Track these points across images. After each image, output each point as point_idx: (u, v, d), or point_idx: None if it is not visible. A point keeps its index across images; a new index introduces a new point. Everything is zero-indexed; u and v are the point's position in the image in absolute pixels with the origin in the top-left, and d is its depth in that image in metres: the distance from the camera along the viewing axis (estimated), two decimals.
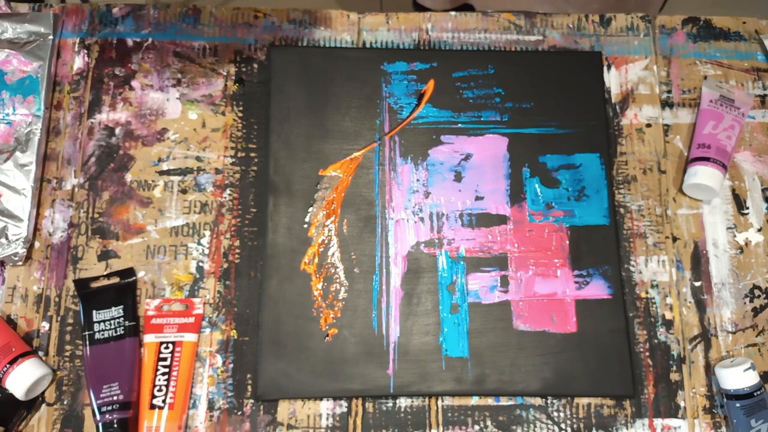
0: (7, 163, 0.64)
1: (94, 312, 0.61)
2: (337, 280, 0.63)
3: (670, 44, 0.73)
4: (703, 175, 0.66)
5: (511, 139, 0.68)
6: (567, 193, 0.66)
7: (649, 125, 0.70)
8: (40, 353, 0.61)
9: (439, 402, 0.62)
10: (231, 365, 0.62)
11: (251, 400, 0.61)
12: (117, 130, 0.67)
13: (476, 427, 0.61)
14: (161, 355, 0.60)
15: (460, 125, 0.68)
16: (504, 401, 0.62)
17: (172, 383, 0.59)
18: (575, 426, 0.61)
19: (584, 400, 0.62)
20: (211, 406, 0.61)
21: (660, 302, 0.65)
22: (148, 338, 0.61)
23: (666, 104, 0.71)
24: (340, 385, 0.61)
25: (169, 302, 0.63)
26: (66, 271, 0.63)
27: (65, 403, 0.60)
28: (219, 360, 0.62)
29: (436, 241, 0.65)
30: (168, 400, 0.59)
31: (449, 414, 0.61)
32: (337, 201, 0.65)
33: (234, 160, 0.67)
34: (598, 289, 0.64)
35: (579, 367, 0.62)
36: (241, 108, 0.69)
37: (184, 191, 0.66)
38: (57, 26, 0.69)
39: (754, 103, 0.72)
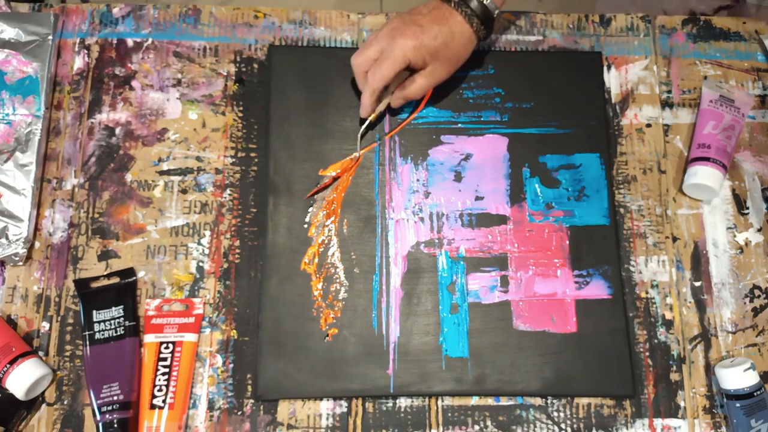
0: (7, 163, 0.64)
1: (94, 312, 0.61)
2: (337, 280, 0.63)
3: (670, 44, 0.73)
4: (703, 175, 0.66)
5: (511, 139, 0.68)
6: (567, 193, 0.66)
7: (649, 125, 0.70)
8: (40, 353, 0.61)
9: (439, 402, 0.62)
10: (231, 365, 0.62)
11: (251, 400, 0.61)
12: (117, 130, 0.67)
13: (476, 427, 0.61)
14: (161, 355, 0.60)
15: (460, 125, 0.68)
16: (504, 401, 0.62)
17: (172, 383, 0.59)
18: (575, 426, 0.61)
19: (584, 400, 0.62)
20: (211, 406, 0.61)
21: (660, 302, 0.65)
22: (149, 338, 0.61)
23: (666, 104, 0.71)
24: (340, 385, 0.61)
25: (169, 302, 0.63)
26: (66, 271, 0.63)
27: (65, 403, 0.60)
28: (219, 360, 0.62)
29: (436, 241, 0.65)
30: (168, 400, 0.59)
31: (449, 414, 0.61)
32: (337, 201, 0.65)
33: (234, 160, 0.67)
34: (598, 289, 0.64)
35: (579, 367, 0.62)
36: (241, 108, 0.69)
37: (184, 191, 0.66)
38: (57, 26, 0.69)
39: (754, 103, 0.72)
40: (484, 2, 0.63)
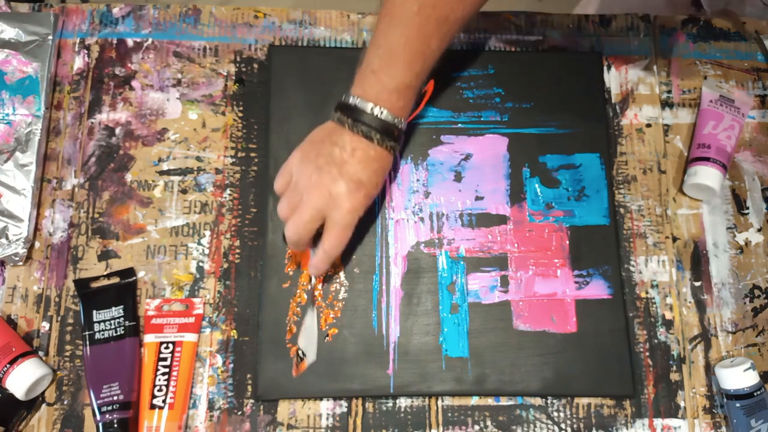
0: (7, 163, 0.64)
1: (94, 312, 0.61)
2: (337, 280, 0.63)
3: (670, 44, 0.73)
4: (703, 175, 0.66)
5: (511, 139, 0.68)
6: (567, 193, 0.66)
7: (649, 125, 0.70)
8: (40, 353, 0.61)
9: (439, 402, 0.62)
10: (231, 365, 0.62)
11: (251, 400, 0.61)
12: (117, 130, 0.67)
13: (476, 427, 0.61)
14: (161, 355, 0.60)
15: (460, 125, 0.68)
16: (504, 401, 0.62)
17: (172, 383, 0.59)
18: (575, 426, 0.61)
19: (584, 400, 0.62)
20: (211, 406, 0.61)
21: (660, 302, 0.65)
22: (149, 338, 0.61)
23: (666, 104, 0.71)
24: (340, 385, 0.61)
25: (169, 302, 0.63)
26: (66, 271, 0.63)
27: (65, 403, 0.60)
28: (219, 360, 0.62)
29: (436, 241, 0.65)
30: (168, 400, 0.59)
31: (449, 414, 0.61)
32: None
33: (234, 160, 0.67)
34: (598, 289, 0.64)
35: (579, 367, 0.62)
36: (241, 108, 0.69)
37: (184, 191, 0.66)
38: (57, 26, 0.69)
39: (754, 103, 0.72)
40: (400, 126, 0.57)
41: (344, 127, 0.57)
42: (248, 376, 0.61)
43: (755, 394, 0.59)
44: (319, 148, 0.57)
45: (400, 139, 0.58)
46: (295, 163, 0.58)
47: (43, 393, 0.60)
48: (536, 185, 0.67)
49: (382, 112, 0.56)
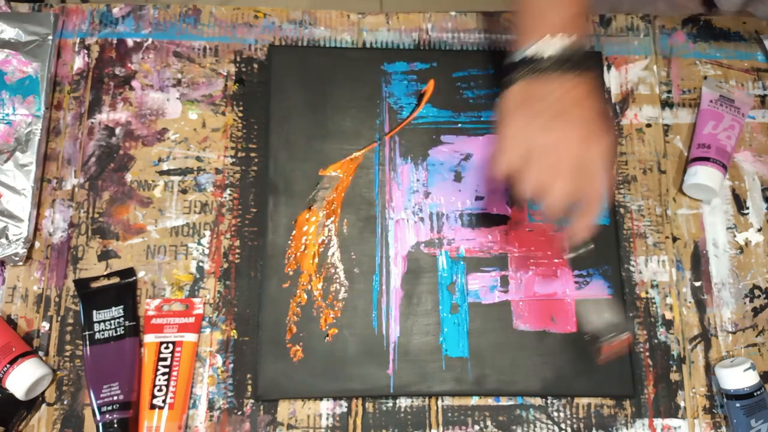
0: (7, 163, 0.64)
1: (94, 312, 0.61)
2: (337, 280, 0.63)
3: (670, 44, 0.73)
4: (703, 175, 0.66)
5: None
6: None
7: (649, 125, 0.70)
8: (40, 353, 0.61)
9: (439, 402, 0.62)
10: (231, 365, 0.62)
11: (251, 400, 0.61)
12: (117, 130, 0.67)
13: (476, 427, 0.61)
14: (161, 355, 0.60)
15: (460, 125, 0.68)
16: (504, 401, 0.62)
17: (172, 383, 0.59)
18: (575, 426, 0.61)
19: (584, 400, 0.62)
20: (211, 406, 0.61)
21: (660, 302, 0.65)
22: (149, 338, 0.61)
23: (666, 104, 0.71)
24: (340, 385, 0.61)
25: (169, 302, 0.63)
26: (66, 271, 0.63)
27: (65, 403, 0.60)
28: (219, 360, 0.62)
29: (436, 241, 0.65)
30: (168, 400, 0.59)
31: (449, 414, 0.61)
32: (337, 201, 0.65)
33: (234, 160, 0.67)
34: (598, 289, 0.64)
35: (579, 367, 0.62)
36: (241, 108, 0.69)
37: (184, 191, 0.66)
38: (57, 26, 0.69)
39: (754, 103, 0.72)
40: (587, 48, 0.54)
41: (539, 77, 0.53)
42: (248, 376, 0.61)
43: (755, 394, 0.59)
44: (530, 109, 0.53)
45: (591, 59, 0.54)
46: (515, 136, 0.53)
47: (43, 393, 0.60)
48: None
49: (565, 43, 0.53)
